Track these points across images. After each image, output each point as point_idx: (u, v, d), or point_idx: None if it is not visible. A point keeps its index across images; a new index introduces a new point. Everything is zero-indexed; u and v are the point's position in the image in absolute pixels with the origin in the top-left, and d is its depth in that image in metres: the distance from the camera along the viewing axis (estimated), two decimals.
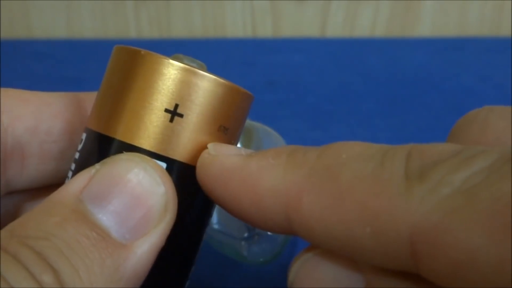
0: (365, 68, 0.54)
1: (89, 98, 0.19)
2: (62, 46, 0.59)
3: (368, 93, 0.49)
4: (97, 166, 0.15)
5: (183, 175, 0.16)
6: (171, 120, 0.15)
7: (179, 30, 0.63)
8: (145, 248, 0.14)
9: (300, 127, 0.43)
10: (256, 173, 0.13)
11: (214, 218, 0.27)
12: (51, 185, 0.19)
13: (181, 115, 0.15)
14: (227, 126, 0.16)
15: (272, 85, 0.51)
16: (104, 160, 0.15)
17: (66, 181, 0.17)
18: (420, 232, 0.11)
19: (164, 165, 0.15)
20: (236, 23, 0.62)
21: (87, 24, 0.62)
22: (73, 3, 0.62)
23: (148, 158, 0.15)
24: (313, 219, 0.12)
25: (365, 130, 0.43)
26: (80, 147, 0.16)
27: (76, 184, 0.14)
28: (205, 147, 0.16)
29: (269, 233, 0.27)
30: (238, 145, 0.28)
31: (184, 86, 0.15)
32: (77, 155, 0.16)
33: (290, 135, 0.31)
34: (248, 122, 0.30)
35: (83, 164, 0.16)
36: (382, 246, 0.11)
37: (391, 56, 0.57)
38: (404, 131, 0.43)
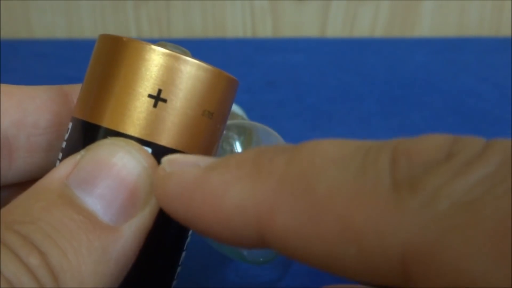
0: (365, 68, 0.54)
1: (75, 90, 0.19)
2: (62, 46, 0.59)
3: (368, 93, 0.49)
4: (82, 152, 0.15)
5: None
6: (155, 106, 0.15)
7: (179, 30, 0.63)
8: (132, 229, 0.14)
9: (300, 127, 0.43)
10: (219, 189, 0.12)
11: None
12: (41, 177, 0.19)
13: (164, 100, 0.15)
14: (212, 110, 0.16)
15: (272, 85, 0.51)
16: (89, 146, 0.15)
17: None
18: (414, 250, 0.09)
19: (149, 150, 0.15)
20: (236, 23, 0.62)
21: (87, 24, 0.62)
22: (73, 3, 0.62)
23: (133, 142, 0.15)
24: (289, 237, 0.11)
25: (365, 130, 0.43)
26: (66, 136, 0.17)
27: (61, 170, 0.14)
28: (189, 131, 0.16)
29: None
30: (238, 145, 0.28)
31: (167, 72, 0.15)
32: (63, 144, 0.17)
33: (290, 135, 0.31)
34: (248, 122, 0.30)
35: (69, 152, 0.16)
36: (370, 266, 0.10)
37: (391, 56, 0.57)
38: (404, 131, 0.43)
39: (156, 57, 0.15)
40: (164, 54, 0.15)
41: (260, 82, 0.51)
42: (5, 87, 0.18)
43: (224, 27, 0.62)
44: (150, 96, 0.15)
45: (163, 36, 0.62)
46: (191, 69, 0.15)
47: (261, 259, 0.27)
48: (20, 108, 0.18)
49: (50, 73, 0.52)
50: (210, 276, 0.28)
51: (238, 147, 0.28)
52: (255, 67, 0.55)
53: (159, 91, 0.15)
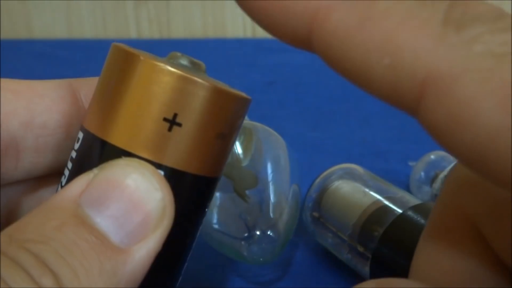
0: None
1: (84, 86, 0.19)
2: (62, 46, 0.59)
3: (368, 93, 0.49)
4: (95, 170, 0.14)
5: (180, 182, 0.16)
6: (170, 129, 0.15)
7: (179, 30, 0.63)
8: (143, 252, 0.14)
9: (300, 127, 0.43)
10: None
11: (214, 218, 0.27)
12: (48, 175, 0.19)
13: (179, 124, 0.15)
14: (225, 132, 0.16)
15: (272, 85, 0.51)
16: (102, 165, 0.15)
17: (62, 178, 0.17)
18: (437, 76, 0.11)
19: (161, 173, 0.15)
20: (236, 23, 0.62)
21: (87, 24, 0.62)
22: (73, 3, 0.62)
23: (146, 163, 0.15)
24: (336, 38, 0.12)
25: (365, 130, 0.43)
26: (77, 146, 0.16)
27: (74, 188, 0.14)
28: (202, 155, 0.16)
29: (269, 232, 0.27)
30: (238, 145, 0.28)
31: (184, 96, 0.15)
32: (74, 154, 0.16)
33: (290, 135, 0.31)
34: (248, 122, 0.30)
35: (80, 166, 0.16)
36: (394, 79, 0.11)
37: None
38: (404, 131, 0.43)
39: (173, 80, 0.15)
40: (181, 77, 0.15)
41: (260, 82, 0.51)
42: (14, 84, 0.18)
43: (224, 27, 0.62)
44: (165, 119, 0.15)
45: (163, 36, 0.62)
46: (208, 93, 0.15)
47: (261, 259, 0.27)
48: (29, 109, 0.18)
49: (50, 73, 0.52)
50: (210, 276, 0.28)
51: (238, 147, 0.28)
52: (255, 67, 0.55)
53: (175, 115, 0.15)
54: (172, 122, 0.15)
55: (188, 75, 0.15)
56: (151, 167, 0.15)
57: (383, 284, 0.14)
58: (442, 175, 0.32)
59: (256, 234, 0.27)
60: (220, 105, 0.16)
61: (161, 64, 0.15)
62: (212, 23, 0.62)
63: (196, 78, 0.15)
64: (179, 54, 0.16)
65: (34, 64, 0.55)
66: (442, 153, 0.34)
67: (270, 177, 0.28)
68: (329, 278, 0.28)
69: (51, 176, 0.19)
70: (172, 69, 0.15)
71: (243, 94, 0.16)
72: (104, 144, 0.15)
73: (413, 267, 0.16)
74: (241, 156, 0.28)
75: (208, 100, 0.15)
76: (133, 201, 0.14)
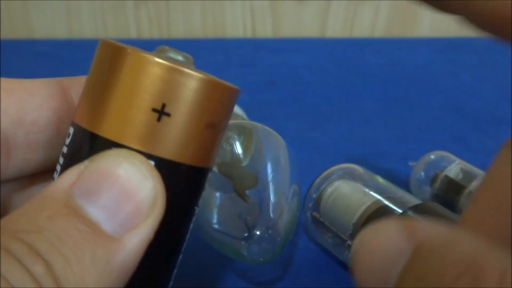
0: (365, 68, 0.54)
1: (73, 84, 0.19)
2: (62, 46, 0.59)
3: (368, 93, 0.49)
4: (86, 162, 0.15)
5: (171, 172, 0.16)
6: (159, 119, 0.15)
7: (179, 30, 0.63)
8: (134, 241, 0.14)
9: (300, 127, 0.43)
10: None
11: (214, 218, 0.27)
12: (40, 172, 0.20)
13: (168, 114, 0.15)
14: (214, 122, 0.16)
15: (272, 85, 0.51)
16: (93, 157, 0.15)
17: (55, 174, 0.17)
18: None
19: (152, 163, 0.15)
20: (236, 23, 0.62)
21: (87, 24, 0.62)
22: (74, 3, 0.62)
23: (137, 153, 0.15)
24: None
25: (365, 130, 0.43)
26: (68, 141, 0.16)
27: (65, 180, 0.14)
28: (192, 144, 0.16)
29: (269, 232, 0.27)
30: (238, 145, 0.28)
31: (171, 86, 0.15)
32: (65, 149, 0.17)
33: (290, 135, 0.31)
34: (248, 122, 0.30)
35: (71, 159, 0.16)
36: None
37: (391, 56, 0.57)
38: (404, 131, 0.43)
39: (161, 71, 0.15)
40: (169, 68, 0.15)
41: (260, 82, 0.51)
42: (5, 82, 0.18)
43: (224, 27, 0.62)
44: (154, 110, 0.15)
45: (163, 36, 0.62)
46: (195, 83, 0.15)
47: (261, 259, 0.27)
48: (20, 106, 0.18)
49: (50, 73, 0.52)
50: (210, 276, 0.28)
51: (238, 147, 0.28)
52: (255, 67, 0.55)
53: (163, 105, 0.15)
54: (161, 112, 0.15)
55: (175, 66, 0.15)
56: (141, 157, 0.15)
57: (416, 228, 0.12)
58: (442, 175, 0.32)
59: (256, 234, 0.27)
60: (208, 95, 0.16)
61: (148, 56, 0.15)
62: (212, 23, 0.62)
63: (183, 68, 0.15)
64: (166, 47, 0.16)
65: (34, 64, 0.55)
66: (442, 153, 0.34)
67: (270, 177, 0.28)
68: (329, 278, 0.28)
69: (42, 174, 0.20)
70: (159, 60, 0.15)
71: (231, 85, 0.17)
72: (94, 137, 0.16)
73: (464, 213, 0.15)
74: (241, 156, 0.28)
75: (196, 90, 0.15)
76: (124, 190, 0.14)
